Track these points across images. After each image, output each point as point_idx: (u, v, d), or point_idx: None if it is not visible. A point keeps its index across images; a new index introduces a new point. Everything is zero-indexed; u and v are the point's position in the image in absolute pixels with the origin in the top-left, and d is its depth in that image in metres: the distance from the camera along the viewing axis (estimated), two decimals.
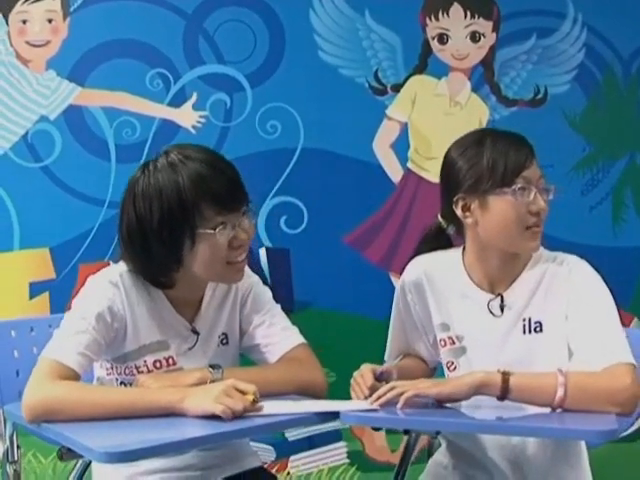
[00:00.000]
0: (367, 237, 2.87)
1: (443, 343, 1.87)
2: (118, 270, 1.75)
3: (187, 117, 2.78)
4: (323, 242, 2.83)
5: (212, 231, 1.65)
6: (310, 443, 2.86)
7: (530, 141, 1.77)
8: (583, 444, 1.81)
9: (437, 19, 2.83)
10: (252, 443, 2.02)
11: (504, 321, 1.80)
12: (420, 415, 1.53)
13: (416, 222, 2.87)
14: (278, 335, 1.84)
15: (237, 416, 1.49)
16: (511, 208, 1.73)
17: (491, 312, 1.81)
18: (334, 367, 2.86)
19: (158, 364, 1.75)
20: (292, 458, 2.84)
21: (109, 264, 2.75)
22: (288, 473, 2.85)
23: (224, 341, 1.82)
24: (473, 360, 1.83)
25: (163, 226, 1.64)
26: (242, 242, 1.70)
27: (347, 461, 2.90)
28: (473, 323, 1.83)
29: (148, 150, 2.76)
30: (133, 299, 1.73)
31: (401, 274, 2.85)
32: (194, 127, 2.78)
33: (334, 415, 1.55)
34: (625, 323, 1.93)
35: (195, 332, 1.78)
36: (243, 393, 1.55)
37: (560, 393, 1.55)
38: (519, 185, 1.72)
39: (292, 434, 2.83)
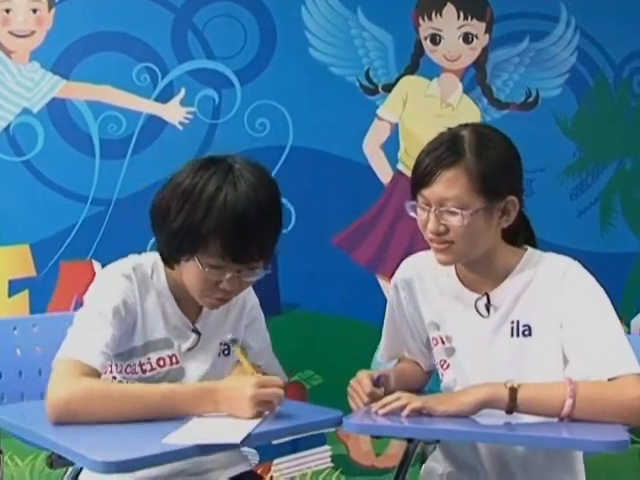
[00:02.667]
0: (355, 238, 2.83)
1: (435, 342, 1.85)
2: (130, 263, 1.73)
3: (174, 113, 2.72)
4: (311, 243, 2.79)
5: (205, 267, 1.62)
6: (294, 446, 2.81)
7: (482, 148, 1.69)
8: (578, 452, 1.79)
9: (430, 19, 2.80)
10: None
11: (491, 322, 1.78)
12: (424, 424, 1.50)
13: (405, 224, 2.83)
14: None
15: None
16: (418, 220, 1.73)
17: (478, 312, 1.79)
18: (320, 370, 2.84)
19: (162, 362, 1.71)
20: (276, 462, 2.79)
21: (91, 262, 2.74)
22: (271, 477, 2.81)
23: (226, 352, 1.79)
24: (462, 361, 1.81)
25: (177, 233, 1.62)
26: (226, 292, 1.66)
27: (331, 465, 2.86)
28: (461, 323, 1.81)
29: (134, 146, 2.70)
30: (143, 293, 1.71)
31: (390, 277, 2.86)
32: (181, 123, 2.72)
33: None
34: None
35: (196, 332, 1.74)
36: None
37: (568, 405, 1.53)
38: (419, 204, 1.70)
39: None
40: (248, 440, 1.36)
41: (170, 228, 1.62)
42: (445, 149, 1.68)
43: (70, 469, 1.67)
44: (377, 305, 2.87)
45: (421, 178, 1.69)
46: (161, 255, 1.73)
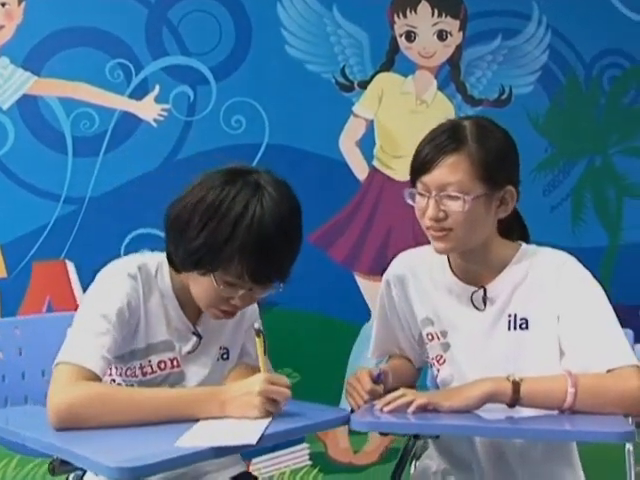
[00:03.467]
0: (332, 236, 2.83)
1: (430, 337, 1.85)
2: (136, 262, 1.66)
3: (149, 110, 2.68)
4: None
5: (220, 285, 1.58)
6: (272, 445, 2.80)
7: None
8: (574, 445, 1.82)
9: (405, 16, 2.81)
10: None
11: (487, 315, 1.78)
12: (431, 419, 1.50)
13: (381, 221, 2.84)
14: None
15: None
16: (416, 208, 1.72)
17: (474, 305, 1.79)
18: (298, 367, 2.82)
19: (163, 365, 1.67)
20: (254, 461, 2.77)
21: (64, 262, 2.68)
22: None
23: (224, 356, 1.76)
24: (458, 356, 1.81)
25: (198, 249, 1.57)
26: (235, 307, 1.63)
27: (309, 463, 2.85)
28: (457, 317, 1.81)
29: (107, 143, 2.65)
30: (147, 294, 1.65)
31: (367, 273, 2.86)
32: (156, 121, 2.68)
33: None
34: None
35: (197, 335, 1.71)
36: None
37: (570, 397, 1.54)
38: (417, 190, 1.71)
39: None
40: (262, 440, 1.34)
41: (190, 243, 1.56)
42: (447, 137, 1.69)
43: (72, 475, 1.63)
44: (354, 302, 2.90)
45: (421, 165, 1.69)
46: (171, 262, 1.68)
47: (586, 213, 2.95)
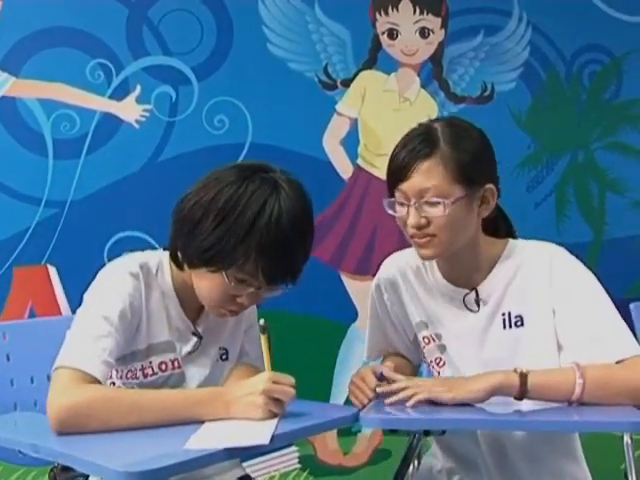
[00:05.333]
0: (317, 235, 2.77)
1: (427, 341, 1.83)
2: (137, 260, 1.61)
3: (130, 111, 2.64)
4: None
5: (230, 283, 1.54)
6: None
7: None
8: (578, 439, 1.81)
9: (387, 14, 2.80)
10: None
11: (481, 316, 1.76)
12: (440, 414, 1.47)
13: (367, 220, 2.83)
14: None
15: None
16: (397, 217, 1.69)
17: (467, 307, 1.77)
18: (283, 368, 2.78)
19: (164, 366, 1.62)
20: (243, 465, 2.73)
21: (46, 267, 2.62)
22: None
23: (224, 357, 1.72)
24: (454, 358, 1.79)
25: (215, 240, 1.52)
26: (241, 305, 1.60)
27: (299, 466, 2.82)
28: (451, 320, 1.79)
29: (88, 145, 2.61)
30: (149, 294, 1.60)
31: (352, 273, 2.84)
32: (137, 121, 2.64)
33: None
34: None
35: (197, 335, 1.67)
36: None
37: (579, 388, 1.53)
38: (396, 199, 1.68)
39: None
40: (275, 440, 1.31)
41: (203, 240, 1.51)
42: (420, 141, 1.66)
43: None
44: (340, 302, 2.87)
45: (397, 172, 1.67)
46: (175, 259, 1.63)
47: (570, 209, 2.97)
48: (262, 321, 1.53)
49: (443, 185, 1.63)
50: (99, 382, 1.45)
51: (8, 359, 1.91)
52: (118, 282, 1.57)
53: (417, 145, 1.65)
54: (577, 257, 1.77)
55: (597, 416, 1.49)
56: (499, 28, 2.88)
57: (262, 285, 1.55)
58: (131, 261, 1.61)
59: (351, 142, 2.82)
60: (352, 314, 2.84)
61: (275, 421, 1.40)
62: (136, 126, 2.64)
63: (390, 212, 1.70)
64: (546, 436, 1.74)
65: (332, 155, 2.80)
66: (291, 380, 1.47)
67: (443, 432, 1.61)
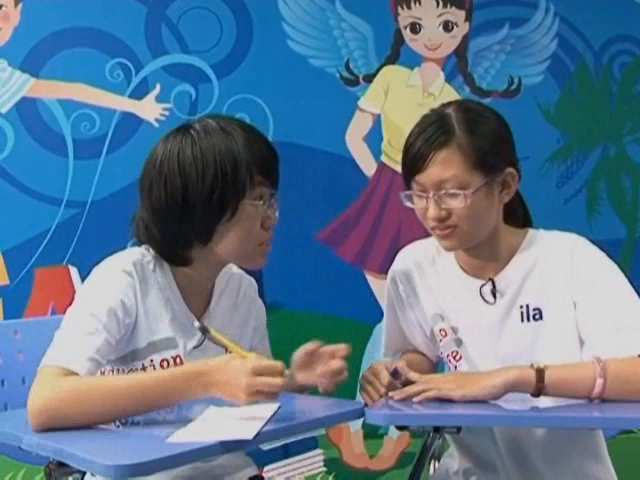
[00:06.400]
0: (340, 234, 2.76)
1: (443, 333, 1.76)
2: (131, 258, 1.58)
3: (150, 110, 2.62)
4: (294, 239, 2.70)
5: (257, 202, 1.55)
6: (285, 451, 2.72)
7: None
8: (602, 438, 1.73)
9: (409, 8, 2.75)
10: None
11: (498, 308, 1.69)
12: (449, 409, 1.41)
13: (391, 217, 2.77)
14: None
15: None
16: (416, 209, 1.65)
17: (484, 299, 1.71)
18: None
19: (165, 363, 1.58)
20: (266, 468, 2.69)
21: (67, 268, 2.62)
22: None
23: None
24: (470, 352, 1.73)
25: (213, 193, 1.52)
26: (271, 223, 1.60)
27: (324, 469, 2.77)
28: (467, 312, 1.72)
29: (108, 145, 2.60)
30: (146, 290, 1.56)
31: (377, 271, 2.79)
32: (157, 120, 2.63)
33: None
34: None
35: (202, 329, 1.63)
36: None
37: (599, 384, 1.45)
38: (414, 192, 1.63)
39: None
40: (260, 436, 1.25)
41: (207, 194, 1.52)
42: (434, 130, 1.61)
43: (70, 479, 1.55)
44: (365, 302, 2.82)
45: (413, 164, 1.61)
46: (168, 257, 1.61)
47: (602, 204, 2.88)
48: (196, 323, 1.49)
49: (462, 175, 1.58)
50: None
51: (20, 357, 1.90)
52: (108, 279, 1.54)
53: (432, 134, 1.59)
54: (609, 254, 1.70)
55: (619, 412, 1.41)
56: (525, 20, 2.81)
57: (271, 192, 1.59)
58: (125, 258, 1.58)
59: (374, 138, 2.77)
60: (378, 314, 2.76)
61: (267, 417, 1.35)
62: (156, 125, 2.63)
63: (408, 204, 1.66)
64: (567, 435, 1.67)
65: (355, 152, 2.75)
66: (278, 368, 1.39)
67: (458, 430, 1.54)
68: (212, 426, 1.32)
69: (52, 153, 2.57)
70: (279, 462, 2.71)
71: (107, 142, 2.60)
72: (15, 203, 2.55)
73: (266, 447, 2.72)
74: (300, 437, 1.39)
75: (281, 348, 2.63)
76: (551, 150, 2.85)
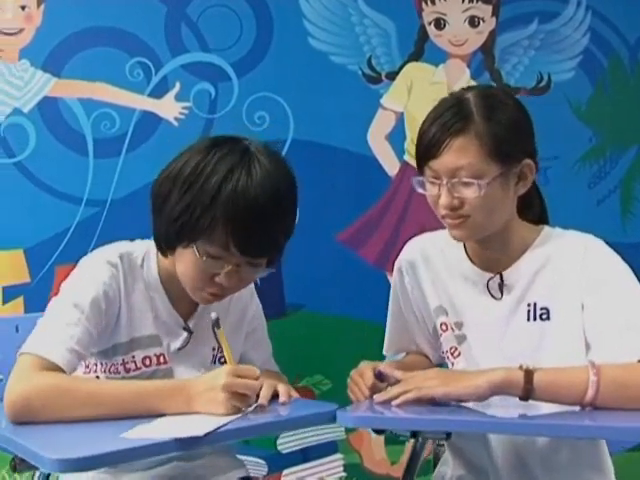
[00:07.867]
0: (362, 235, 2.70)
1: (444, 328, 1.71)
2: (118, 250, 1.58)
3: (169, 108, 2.62)
4: (315, 240, 2.66)
5: (203, 255, 1.47)
6: (304, 456, 2.68)
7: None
8: (606, 448, 1.64)
9: (433, 3, 2.68)
10: (243, 457, 1.85)
11: (504, 304, 1.63)
12: (429, 414, 1.34)
13: (414, 218, 2.71)
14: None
15: None
16: (428, 196, 1.60)
17: (490, 294, 1.64)
18: (329, 374, 2.70)
19: (148, 361, 1.57)
20: (285, 472, 2.65)
21: None
22: None
23: (222, 359, 1.64)
24: (473, 349, 1.66)
25: (180, 216, 1.48)
26: (221, 287, 1.52)
27: (344, 474, 2.71)
28: (472, 306, 1.66)
29: (128, 144, 2.60)
30: (130, 284, 1.56)
31: None
32: (177, 119, 2.62)
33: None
34: None
35: (187, 330, 1.61)
36: None
37: (592, 390, 1.37)
38: (427, 178, 1.57)
39: (285, 446, 2.65)
40: (215, 434, 1.21)
41: (171, 211, 1.48)
42: (452, 115, 1.55)
43: (38, 473, 1.54)
44: (387, 304, 2.76)
45: (428, 149, 1.56)
46: (157, 242, 1.59)
47: (636, 206, 2.76)
48: (213, 314, 1.46)
49: (478, 163, 1.53)
50: (62, 370, 1.40)
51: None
52: (93, 270, 1.54)
53: (449, 119, 1.55)
54: None
55: (612, 421, 1.33)
56: (555, 14, 2.71)
57: (239, 261, 1.47)
58: (112, 250, 1.58)
59: (397, 137, 2.70)
60: None
61: (229, 418, 1.31)
62: (175, 124, 2.62)
63: (420, 190, 1.61)
64: (568, 444, 1.58)
65: (377, 151, 2.70)
66: (254, 372, 1.38)
67: (448, 436, 1.47)
68: (170, 425, 1.30)
69: (73, 152, 2.58)
70: (297, 466, 2.67)
71: (127, 141, 2.60)
72: (36, 201, 2.57)
73: (285, 451, 2.71)
74: (264, 436, 1.35)
75: (301, 348, 2.61)
76: (583, 149, 2.74)
